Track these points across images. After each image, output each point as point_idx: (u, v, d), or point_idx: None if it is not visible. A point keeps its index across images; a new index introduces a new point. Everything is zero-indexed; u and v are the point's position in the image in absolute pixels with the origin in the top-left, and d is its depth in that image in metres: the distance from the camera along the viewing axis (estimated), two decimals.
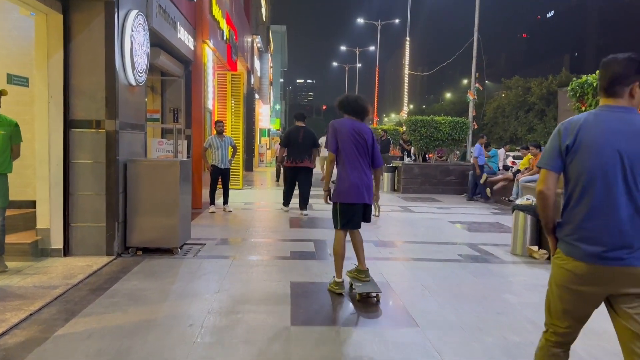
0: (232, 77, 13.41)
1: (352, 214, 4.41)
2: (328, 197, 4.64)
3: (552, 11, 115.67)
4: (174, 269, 5.27)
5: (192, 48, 9.30)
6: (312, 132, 9.10)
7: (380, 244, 6.82)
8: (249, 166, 20.90)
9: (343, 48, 45.66)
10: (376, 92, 31.01)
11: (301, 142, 8.85)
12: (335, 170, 4.58)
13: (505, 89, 43.92)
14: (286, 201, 9.47)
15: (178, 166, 5.95)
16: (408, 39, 22.27)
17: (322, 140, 11.30)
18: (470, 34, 14.51)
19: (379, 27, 29.64)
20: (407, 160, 14.72)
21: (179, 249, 5.91)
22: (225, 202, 9.30)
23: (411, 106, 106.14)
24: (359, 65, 43.37)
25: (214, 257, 5.78)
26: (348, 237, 4.57)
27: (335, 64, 53.20)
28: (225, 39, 12.15)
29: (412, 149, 15.24)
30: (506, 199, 11.23)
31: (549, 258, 5.87)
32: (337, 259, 4.46)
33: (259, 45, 24.50)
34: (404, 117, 23.27)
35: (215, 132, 9.00)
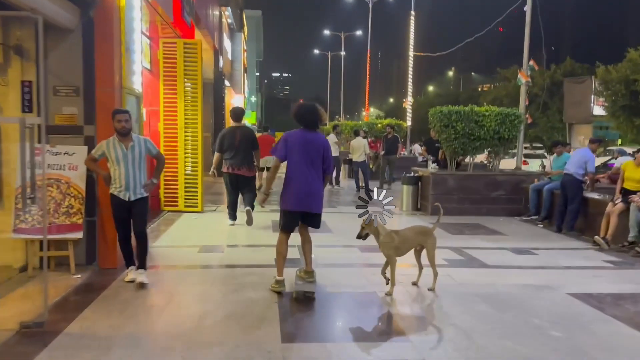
0: (185, 47, 9.07)
1: (291, 219, 4.64)
2: (265, 199, 4.95)
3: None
4: None
5: None
6: (251, 132, 7.86)
7: None
8: (219, 170, 16.55)
9: (326, 32, 40.94)
10: (367, 80, 26.85)
11: (238, 145, 7.46)
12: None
13: (502, 80, 40.29)
14: (232, 214, 7.94)
15: None
16: (413, 13, 18.11)
17: None
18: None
19: (370, 5, 25.30)
20: (432, 167, 10.72)
21: None
22: (141, 265, 4.89)
23: (391, 100, 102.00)
24: (343, 53, 39.06)
25: None
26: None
27: (316, 51, 48.46)
28: None
29: (440, 152, 11.20)
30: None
31: None
32: (278, 258, 4.68)
33: (229, 21, 20.08)
34: (409, 107, 19.15)
35: (114, 132, 4.74)
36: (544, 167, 19.30)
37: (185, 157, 9.21)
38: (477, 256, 6.30)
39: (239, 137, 7.51)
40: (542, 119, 35.50)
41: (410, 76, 18.46)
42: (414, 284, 4.96)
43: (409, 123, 18.72)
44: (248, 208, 7.51)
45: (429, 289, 4.85)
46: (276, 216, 9.02)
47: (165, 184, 9.20)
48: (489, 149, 10.19)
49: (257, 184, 9.69)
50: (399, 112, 52.32)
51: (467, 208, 9.71)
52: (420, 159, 18.44)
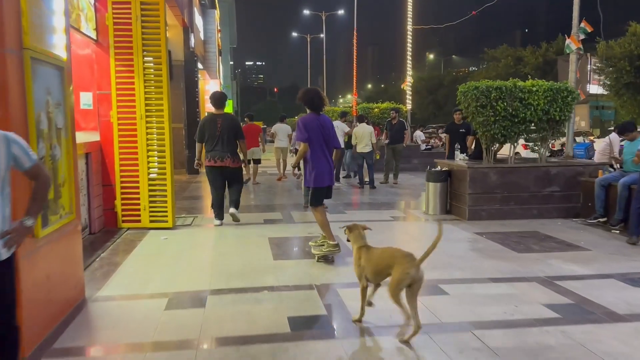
0: (142, 9, 6.73)
1: (321, 194, 5.30)
2: (297, 174, 6.47)
3: None
4: None
5: None
6: (234, 120, 7.14)
7: None
8: (192, 167, 14.21)
9: (306, 12, 38.34)
10: (354, 63, 24.60)
11: (219, 135, 6.79)
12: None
13: (490, 61, 38.55)
14: (218, 213, 7.10)
15: None
16: None
17: (276, 128, 12.55)
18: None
19: None
20: (460, 157, 8.65)
21: None
22: None
23: (369, 86, 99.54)
24: (322, 35, 36.61)
25: None
26: None
27: (295, 34, 45.91)
28: None
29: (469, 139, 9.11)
30: None
31: None
32: (325, 227, 5.21)
33: None
34: (408, 88, 17.04)
35: None
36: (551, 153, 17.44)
37: (149, 156, 6.91)
38: (588, 296, 4.23)
39: (220, 126, 6.85)
40: None
41: (409, 53, 16.31)
42: (404, 341, 3.22)
43: (409, 106, 16.57)
44: (233, 211, 7.06)
45: (401, 341, 3.23)
46: (272, 231, 6.90)
47: (122, 193, 6.90)
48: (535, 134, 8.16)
49: (245, 177, 8.16)
50: (381, 97, 50.39)
51: (513, 210, 7.69)
52: (423, 146, 16.43)
